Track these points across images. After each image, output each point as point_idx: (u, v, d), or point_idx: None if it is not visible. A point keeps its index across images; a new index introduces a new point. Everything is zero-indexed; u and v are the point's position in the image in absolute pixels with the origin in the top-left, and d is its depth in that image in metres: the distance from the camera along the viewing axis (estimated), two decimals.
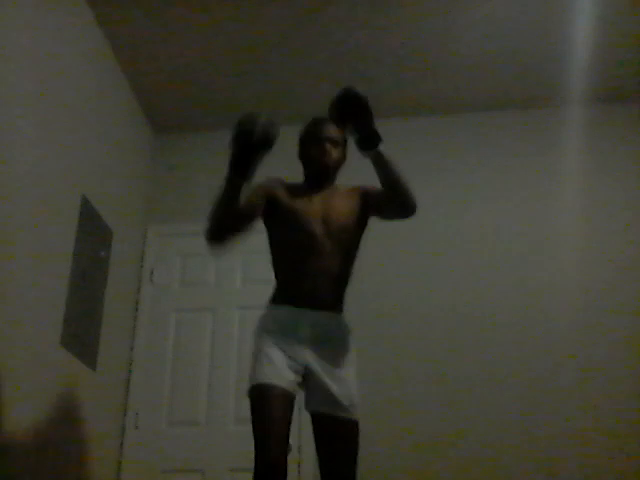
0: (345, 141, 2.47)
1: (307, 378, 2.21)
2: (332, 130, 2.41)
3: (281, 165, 4.22)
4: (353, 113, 2.21)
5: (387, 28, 3.60)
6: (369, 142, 2.22)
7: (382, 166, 2.25)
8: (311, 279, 2.24)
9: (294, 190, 2.40)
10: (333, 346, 2.25)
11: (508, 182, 4.04)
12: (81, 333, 3.27)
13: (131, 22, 3.58)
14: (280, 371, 2.15)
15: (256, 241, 4.03)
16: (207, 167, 4.29)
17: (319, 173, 2.42)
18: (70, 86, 3.29)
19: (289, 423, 2.12)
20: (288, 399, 2.13)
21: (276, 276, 2.38)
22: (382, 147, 2.23)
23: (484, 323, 3.70)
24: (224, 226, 2.28)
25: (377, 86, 4.01)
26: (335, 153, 2.42)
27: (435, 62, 3.83)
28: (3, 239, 2.66)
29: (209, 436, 3.67)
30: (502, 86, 4.00)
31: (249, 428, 3.75)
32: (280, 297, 2.30)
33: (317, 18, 3.55)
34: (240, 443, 3.61)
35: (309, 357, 2.20)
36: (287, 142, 4.61)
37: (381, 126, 4.43)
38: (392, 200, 2.28)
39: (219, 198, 2.27)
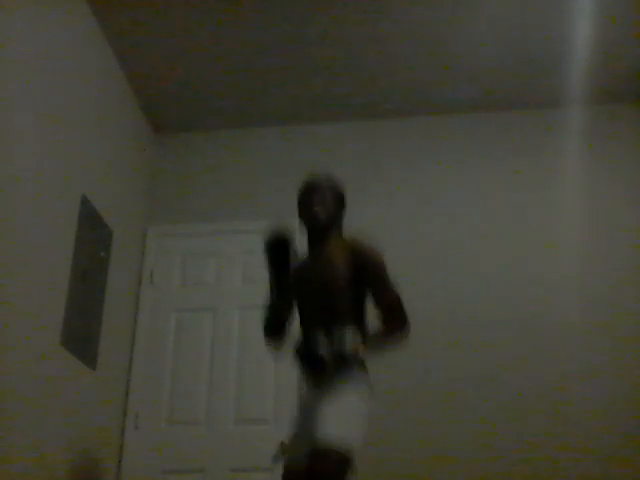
0: (337, 196, 2.55)
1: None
2: (317, 192, 2.51)
3: (278, 167, 4.24)
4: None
5: (387, 29, 3.60)
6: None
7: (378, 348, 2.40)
8: (310, 336, 2.33)
9: (299, 265, 2.57)
10: (323, 390, 2.31)
11: (508, 182, 4.04)
12: (81, 333, 3.27)
13: (131, 23, 3.58)
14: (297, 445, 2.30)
15: (256, 241, 4.05)
16: (207, 167, 4.31)
17: (310, 235, 2.54)
18: (70, 86, 3.29)
19: None
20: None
21: None
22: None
23: (484, 324, 3.69)
24: (279, 328, 2.55)
25: (378, 86, 4.02)
26: (323, 213, 2.49)
27: (435, 63, 3.83)
28: (3, 239, 2.67)
29: (209, 436, 3.67)
30: (502, 87, 4.00)
31: (249, 428, 3.78)
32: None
33: (317, 20, 3.55)
34: (240, 443, 3.62)
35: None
36: (288, 143, 4.63)
37: (381, 126, 4.43)
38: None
39: (269, 308, 2.53)
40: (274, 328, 2.53)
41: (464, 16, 3.52)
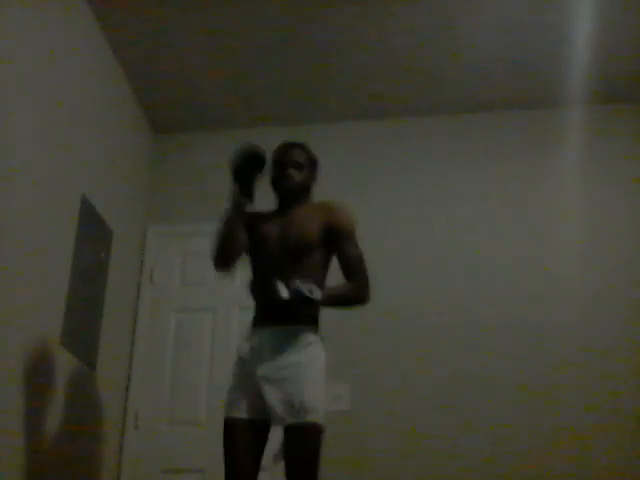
0: (312, 163, 2.61)
1: (264, 393, 2.28)
2: (295, 154, 2.54)
3: None
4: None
5: (387, 30, 3.60)
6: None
7: (334, 306, 2.40)
8: (271, 282, 2.30)
9: (264, 216, 2.55)
10: (287, 358, 2.31)
11: (507, 183, 4.03)
12: (81, 333, 3.27)
13: (131, 22, 3.58)
14: (243, 401, 2.29)
15: None
16: (207, 167, 4.30)
17: (282, 196, 2.55)
18: (70, 86, 3.29)
19: (255, 454, 2.27)
20: (253, 430, 2.28)
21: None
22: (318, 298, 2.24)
23: (483, 324, 3.69)
24: (230, 251, 2.49)
25: (377, 87, 4.01)
26: (298, 176, 2.53)
27: (434, 63, 3.83)
28: (3, 239, 2.67)
29: (209, 436, 3.65)
30: (502, 87, 4.00)
31: None
32: (253, 320, 2.48)
33: (317, 19, 3.55)
34: None
35: (264, 372, 2.29)
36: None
37: (381, 127, 4.42)
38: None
39: (224, 225, 2.47)
40: (225, 255, 2.49)
41: (464, 16, 3.52)
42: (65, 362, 3.10)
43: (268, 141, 4.27)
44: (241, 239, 2.48)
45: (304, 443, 2.21)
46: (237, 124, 4.33)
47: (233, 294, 3.95)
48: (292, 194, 2.53)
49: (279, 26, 3.61)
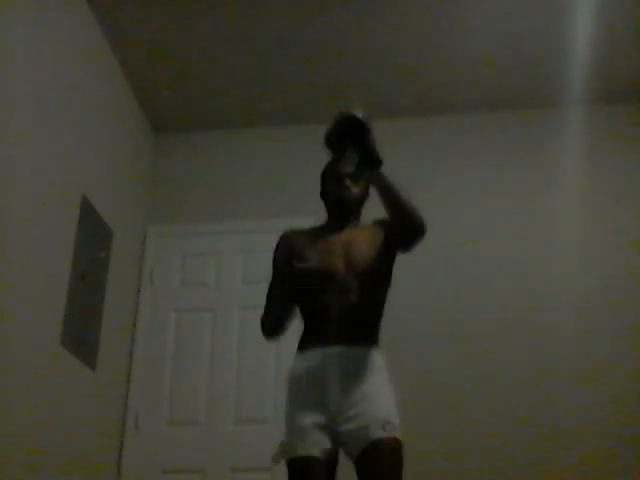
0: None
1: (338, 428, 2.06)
2: (352, 166, 2.29)
3: (280, 164, 4.24)
4: (352, 136, 2.10)
5: (386, 29, 3.60)
6: (369, 165, 2.12)
7: (384, 189, 2.14)
8: (337, 317, 2.15)
9: (314, 233, 2.32)
10: (360, 379, 2.13)
11: (507, 182, 4.04)
12: (81, 333, 3.27)
13: (131, 22, 3.58)
14: (314, 436, 2.05)
15: (256, 241, 4.05)
16: (207, 167, 4.31)
17: (338, 210, 2.35)
18: (70, 86, 3.29)
19: None
20: (328, 470, 2.03)
21: (303, 320, 2.27)
22: (384, 170, 2.12)
23: (483, 324, 3.69)
24: (288, 318, 2.26)
25: (376, 86, 4.01)
26: (355, 189, 2.34)
27: (434, 62, 3.83)
28: (3, 239, 2.67)
29: (209, 436, 3.67)
30: (501, 86, 4.00)
31: (249, 428, 3.77)
32: (307, 341, 2.19)
33: (317, 20, 3.55)
34: (240, 443, 3.62)
35: (336, 407, 2.08)
36: (288, 143, 4.63)
37: (379, 126, 4.42)
38: (399, 223, 2.20)
39: (279, 285, 2.24)
40: (282, 325, 2.25)
41: (464, 16, 3.52)
42: (65, 362, 3.10)
43: (268, 141, 4.33)
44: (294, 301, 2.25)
45: (388, 457, 1.99)
46: (237, 124, 4.33)
47: (233, 294, 3.95)
48: (347, 208, 2.34)
49: (280, 27, 3.61)
